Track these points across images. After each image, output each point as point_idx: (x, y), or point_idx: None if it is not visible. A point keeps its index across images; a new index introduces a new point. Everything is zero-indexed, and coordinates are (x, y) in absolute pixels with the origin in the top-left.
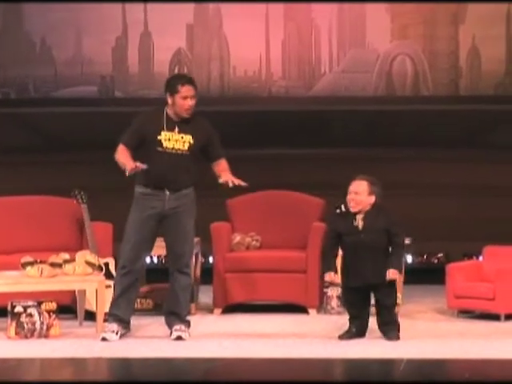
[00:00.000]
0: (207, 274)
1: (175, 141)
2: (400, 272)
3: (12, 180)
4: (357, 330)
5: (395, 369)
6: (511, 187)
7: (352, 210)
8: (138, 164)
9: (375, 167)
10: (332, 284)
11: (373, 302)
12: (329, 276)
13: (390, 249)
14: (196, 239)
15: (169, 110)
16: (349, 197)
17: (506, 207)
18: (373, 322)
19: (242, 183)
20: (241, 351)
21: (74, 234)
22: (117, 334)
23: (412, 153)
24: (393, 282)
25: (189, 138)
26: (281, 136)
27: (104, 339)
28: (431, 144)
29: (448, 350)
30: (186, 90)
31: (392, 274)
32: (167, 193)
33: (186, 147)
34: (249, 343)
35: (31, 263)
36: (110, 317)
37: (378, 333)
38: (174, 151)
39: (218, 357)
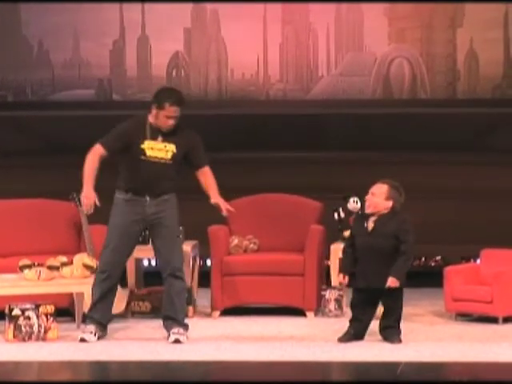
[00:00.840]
0: (205, 277)
1: (158, 150)
2: (400, 281)
3: (9, 183)
4: (355, 332)
5: (393, 372)
6: (509, 190)
7: (366, 210)
8: (88, 203)
9: (373, 170)
10: (338, 286)
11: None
12: (338, 276)
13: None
14: (194, 242)
15: (151, 119)
16: (366, 197)
17: (503, 210)
18: (372, 324)
19: (231, 210)
20: (238, 354)
21: (71, 237)
22: (95, 335)
23: (409, 156)
24: (400, 288)
25: (172, 147)
26: (278, 139)
27: (83, 340)
28: (429, 147)
29: (446, 352)
30: (171, 110)
31: (391, 281)
32: (147, 198)
33: (170, 156)
34: (247, 346)
35: (29, 266)
36: (88, 319)
37: (377, 336)
38: (156, 160)
39: (216, 360)
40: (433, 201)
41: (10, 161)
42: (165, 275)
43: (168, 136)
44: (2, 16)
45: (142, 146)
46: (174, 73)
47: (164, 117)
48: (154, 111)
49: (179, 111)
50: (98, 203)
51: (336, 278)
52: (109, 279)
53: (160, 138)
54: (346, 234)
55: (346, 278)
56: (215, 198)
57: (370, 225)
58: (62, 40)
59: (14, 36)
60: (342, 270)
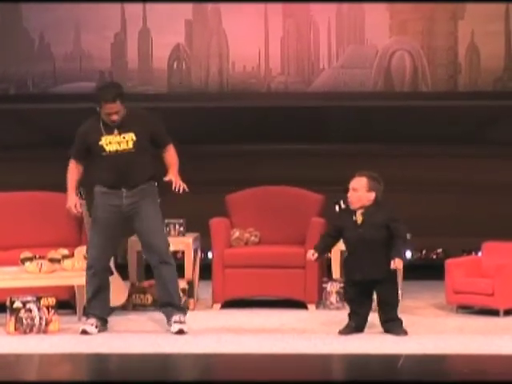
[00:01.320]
0: (206, 270)
1: (117, 143)
2: (404, 260)
3: (11, 176)
4: (356, 324)
5: (394, 364)
6: (511, 183)
7: (351, 206)
8: (74, 208)
9: (373, 163)
10: (339, 278)
11: (374, 298)
12: (309, 251)
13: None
14: (195, 235)
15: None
16: (348, 194)
17: (505, 203)
18: (372, 317)
19: (185, 188)
20: (240, 347)
21: (72, 230)
22: (96, 327)
23: (410, 149)
24: (393, 279)
25: (131, 136)
26: (279, 132)
27: (84, 331)
28: (430, 140)
29: (447, 345)
30: (107, 107)
31: (397, 262)
32: (124, 190)
33: (131, 145)
34: (248, 339)
35: (30, 259)
36: (88, 314)
37: (377, 328)
38: (118, 153)
39: (217, 352)
40: (434, 193)
41: (11, 153)
42: (153, 263)
43: (123, 127)
44: (3, 9)
45: (100, 143)
46: (175, 65)
47: (105, 114)
48: (98, 109)
49: (118, 106)
50: (79, 207)
51: (337, 269)
52: (97, 275)
53: (116, 131)
54: None
55: (315, 256)
56: (171, 175)
57: (359, 218)
58: (64, 33)
59: (16, 29)
60: (315, 248)
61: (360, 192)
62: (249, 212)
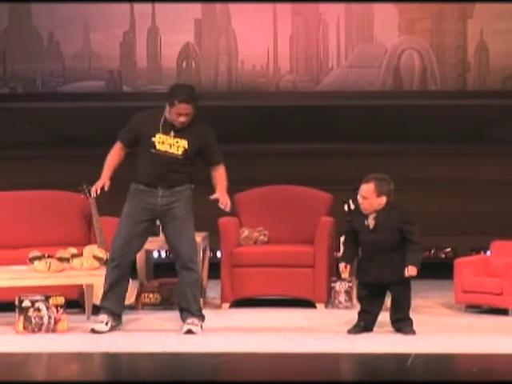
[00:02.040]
0: (215, 269)
1: (169, 145)
2: (418, 267)
3: (20, 175)
4: (365, 324)
5: (403, 363)
6: None
7: (363, 212)
8: (99, 186)
9: (382, 162)
10: (341, 275)
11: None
12: (340, 265)
13: (407, 247)
14: (204, 234)
15: (166, 114)
16: (359, 201)
17: None
18: (381, 316)
19: (227, 207)
20: (248, 346)
21: (81, 229)
22: (106, 324)
23: (419, 147)
24: (407, 280)
25: (184, 143)
26: (288, 130)
27: (93, 330)
28: (438, 139)
29: (456, 344)
30: (181, 108)
31: (411, 270)
32: (160, 189)
33: (180, 152)
34: (256, 338)
35: (39, 258)
36: (101, 309)
37: (386, 327)
38: (167, 154)
39: (226, 351)
40: (442, 192)
41: (20, 152)
42: (177, 267)
43: (181, 132)
44: (13, 7)
45: (153, 139)
46: (184, 64)
47: (175, 114)
48: (166, 107)
49: (190, 108)
50: (106, 188)
51: (340, 265)
52: (117, 268)
53: (172, 133)
54: None
55: (348, 267)
56: (219, 193)
57: (371, 222)
58: (73, 31)
59: (25, 27)
60: (344, 259)
61: (370, 199)
62: (258, 211)
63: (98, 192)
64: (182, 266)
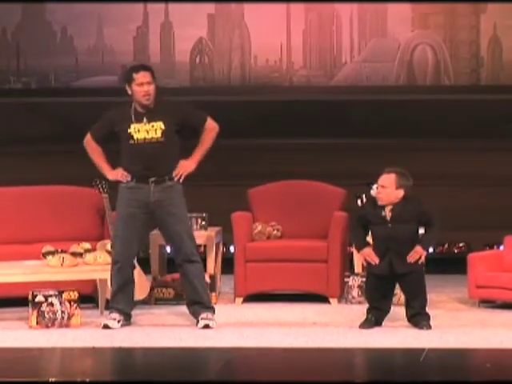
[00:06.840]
0: (228, 264)
1: (145, 131)
2: (426, 250)
3: (33, 170)
4: (375, 318)
5: (417, 358)
6: None
7: (379, 203)
8: (121, 175)
9: (395, 157)
10: (368, 260)
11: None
12: (366, 251)
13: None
14: (217, 228)
15: (134, 103)
16: (376, 191)
17: None
18: (394, 311)
19: (180, 176)
20: (262, 341)
21: (95, 224)
22: (118, 322)
23: (432, 143)
24: (420, 271)
25: (159, 124)
26: (302, 125)
27: (106, 326)
28: (452, 134)
29: (469, 339)
30: (140, 76)
31: (417, 249)
32: (151, 185)
33: (159, 134)
34: (270, 333)
35: (52, 253)
36: (111, 308)
37: (400, 322)
38: (146, 141)
39: (239, 346)
40: (456, 187)
41: (33, 147)
42: (178, 262)
43: (152, 115)
44: (26, 2)
45: (129, 131)
46: (197, 59)
47: (137, 86)
48: (129, 91)
49: (149, 76)
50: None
51: (359, 264)
52: (122, 269)
53: (145, 120)
54: None
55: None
56: (182, 162)
57: (388, 213)
58: (86, 26)
59: (38, 22)
60: (364, 245)
61: (389, 189)
62: (271, 206)
63: (128, 177)
64: (184, 260)
